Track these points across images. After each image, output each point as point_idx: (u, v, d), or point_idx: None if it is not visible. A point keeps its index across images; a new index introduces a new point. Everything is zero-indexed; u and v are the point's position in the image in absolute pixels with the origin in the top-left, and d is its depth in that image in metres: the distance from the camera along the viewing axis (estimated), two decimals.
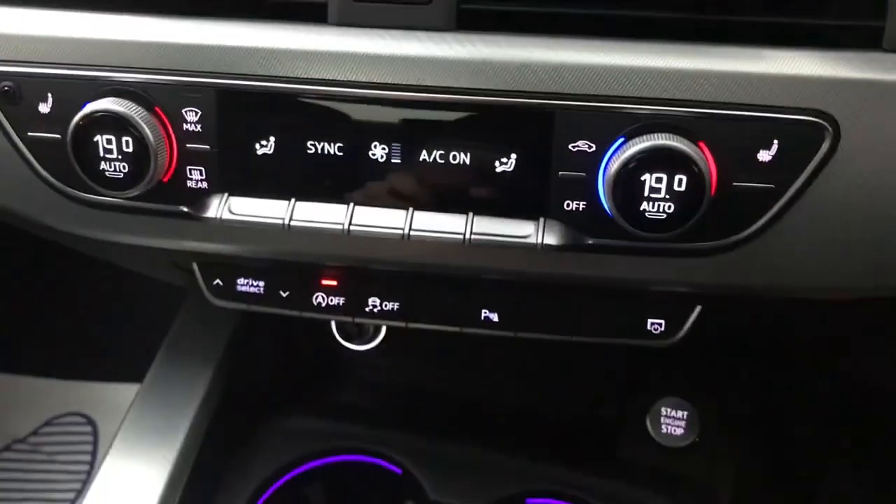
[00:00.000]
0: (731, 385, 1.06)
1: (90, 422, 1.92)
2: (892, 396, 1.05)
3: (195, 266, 0.92)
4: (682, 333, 0.85)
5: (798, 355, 1.03)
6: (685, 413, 1.01)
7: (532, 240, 0.74)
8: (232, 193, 0.79)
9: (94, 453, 1.88)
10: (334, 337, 1.16)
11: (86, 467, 1.90)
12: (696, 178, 0.68)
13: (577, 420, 1.10)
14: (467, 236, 0.75)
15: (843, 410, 1.06)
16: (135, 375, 1.83)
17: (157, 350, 1.14)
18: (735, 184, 0.71)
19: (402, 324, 0.90)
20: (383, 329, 1.15)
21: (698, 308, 0.84)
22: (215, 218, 0.78)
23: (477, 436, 1.04)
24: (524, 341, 0.94)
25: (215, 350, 1.03)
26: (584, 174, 0.72)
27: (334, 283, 0.90)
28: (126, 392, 1.85)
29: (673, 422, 1.01)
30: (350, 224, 0.76)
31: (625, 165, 0.69)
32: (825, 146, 0.69)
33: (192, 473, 0.95)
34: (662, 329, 0.86)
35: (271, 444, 1.03)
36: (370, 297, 0.89)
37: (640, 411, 1.02)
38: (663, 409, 1.01)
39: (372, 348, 1.16)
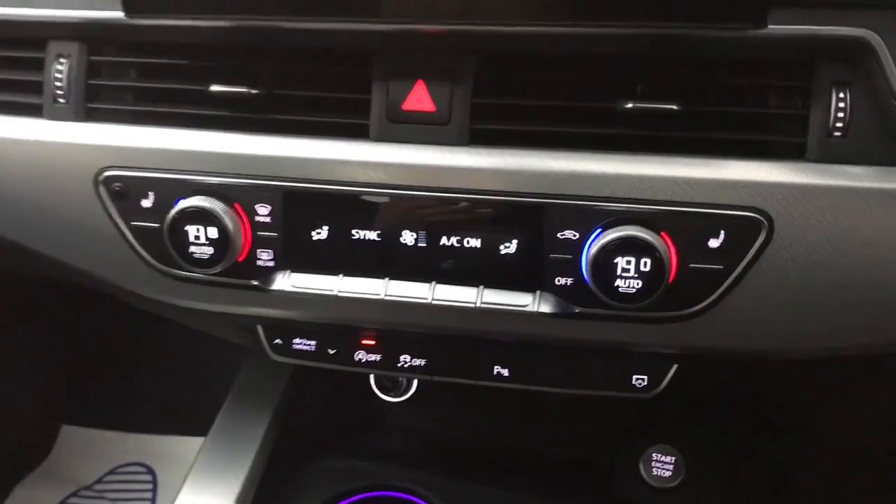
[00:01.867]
0: (713, 431, 1.18)
1: (150, 471, 2.01)
2: (861, 452, 1.15)
3: (259, 328, 1.06)
4: (661, 387, 0.97)
5: (774, 411, 1.15)
6: (673, 458, 1.13)
7: (530, 308, 0.88)
8: (293, 270, 0.93)
9: (153, 500, 1.95)
10: (373, 390, 1.28)
11: None
12: (658, 261, 0.81)
13: (578, 463, 1.22)
14: (478, 304, 0.88)
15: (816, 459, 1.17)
16: (190, 429, 1.93)
17: (210, 405, 1.24)
18: (691, 265, 0.83)
19: (429, 377, 1.03)
20: (415, 383, 1.28)
21: (675, 366, 0.97)
22: (280, 290, 0.92)
23: (491, 475, 1.16)
24: (531, 393, 1.05)
25: (271, 404, 1.17)
26: (570, 256, 0.85)
27: (372, 342, 1.03)
28: (182, 444, 1.99)
29: (662, 465, 1.13)
30: (386, 294, 0.90)
31: (602, 250, 0.82)
32: (762, 236, 0.81)
33: None
34: (645, 383, 0.98)
35: (316, 482, 1.17)
36: (402, 354, 1.02)
37: (633, 456, 1.15)
38: (654, 455, 1.14)
39: (404, 400, 1.30)
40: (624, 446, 1.17)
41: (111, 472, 2.03)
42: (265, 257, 0.93)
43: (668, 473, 1.13)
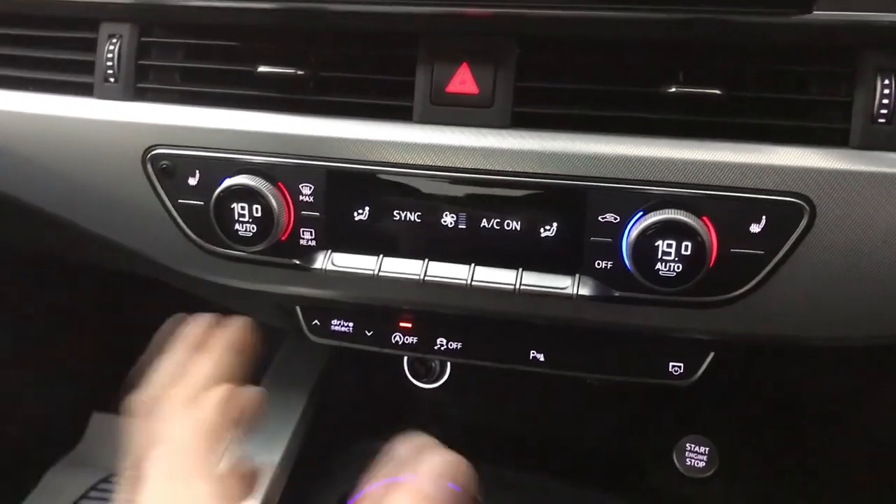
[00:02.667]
0: (747, 422, 1.17)
1: None
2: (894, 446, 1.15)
3: (298, 309, 1.07)
4: (698, 375, 0.97)
5: (808, 403, 1.15)
6: (707, 449, 1.13)
7: (569, 291, 0.88)
8: (335, 250, 0.94)
9: None
10: (406, 376, 1.31)
11: None
12: (699, 245, 0.81)
13: (610, 453, 1.22)
14: (517, 287, 0.89)
15: (852, 456, 1.17)
16: None
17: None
18: (732, 250, 0.83)
19: (464, 360, 1.03)
20: (448, 370, 1.30)
21: (712, 354, 0.97)
22: (321, 269, 0.93)
23: (524, 464, 1.17)
24: (566, 381, 1.05)
25: (307, 387, 1.19)
26: (610, 239, 0.85)
27: (409, 325, 1.04)
28: None
29: (696, 456, 1.13)
30: (425, 275, 0.91)
31: (643, 233, 0.82)
32: (804, 221, 0.82)
33: (287, 486, 1.09)
34: (682, 371, 0.98)
35: (351, 463, 1.18)
36: (438, 337, 1.03)
37: (667, 446, 1.15)
38: (687, 445, 1.14)
39: (438, 387, 1.31)
40: (658, 436, 1.17)
41: None
42: (307, 236, 0.94)
43: (702, 464, 1.13)
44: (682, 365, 0.98)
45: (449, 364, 1.27)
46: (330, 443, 1.20)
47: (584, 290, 0.89)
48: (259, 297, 1.06)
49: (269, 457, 1.11)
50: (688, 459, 1.14)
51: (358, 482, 1.16)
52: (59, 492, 1.89)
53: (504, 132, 0.88)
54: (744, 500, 1.13)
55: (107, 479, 1.92)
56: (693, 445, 1.14)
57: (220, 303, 1.21)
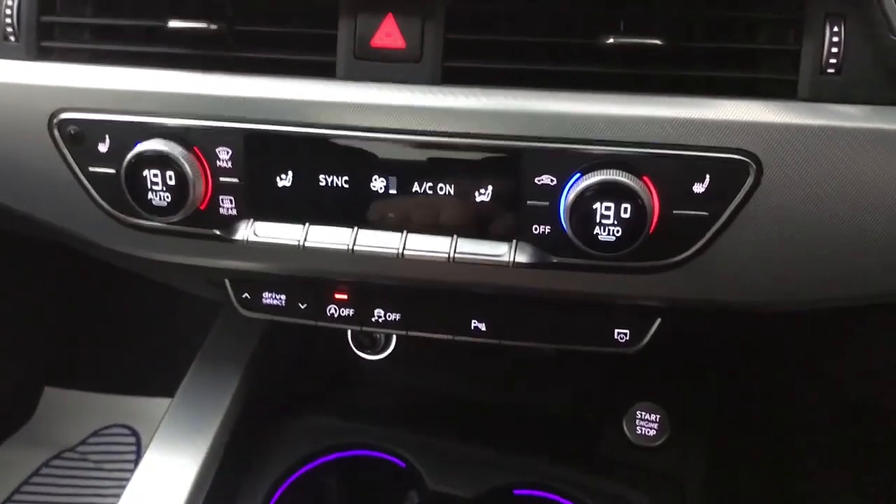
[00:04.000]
0: (698, 388, 1.14)
1: (134, 433, 2.01)
2: (858, 407, 1.13)
3: (227, 282, 1.02)
4: (644, 342, 0.94)
5: (761, 367, 1.12)
6: (657, 416, 1.10)
7: (505, 258, 0.84)
8: (257, 219, 0.88)
9: (137, 462, 1.85)
10: (350, 347, 1.25)
11: (130, 475, 1.92)
12: (639, 208, 0.77)
13: (561, 421, 1.19)
14: (452, 255, 0.84)
15: (804, 411, 1.14)
16: (176, 390, 1.91)
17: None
18: (675, 212, 0.79)
19: (404, 332, 0.99)
20: (393, 340, 1.25)
21: (658, 320, 0.93)
22: (243, 240, 0.88)
23: (473, 433, 1.13)
24: (513, 350, 1.02)
25: (243, 358, 1.14)
26: (547, 203, 0.81)
27: (344, 296, 0.99)
28: (166, 405, 1.99)
29: (647, 424, 1.10)
30: (354, 244, 0.86)
31: (580, 196, 0.78)
32: (750, 180, 0.78)
33: (221, 466, 1.03)
34: (627, 338, 0.94)
35: (291, 441, 1.14)
36: (375, 308, 0.99)
37: (617, 414, 1.11)
38: (638, 413, 1.11)
39: (383, 358, 1.27)
40: (607, 404, 1.14)
41: (94, 434, 2.02)
42: (227, 205, 0.89)
43: (652, 432, 1.10)
44: (627, 332, 0.95)
45: (394, 334, 1.23)
46: (269, 418, 1.16)
47: (522, 258, 0.85)
48: (184, 270, 1.01)
49: (201, 441, 1.06)
50: (638, 427, 1.11)
51: (295, 462, 1.13)
52: (11, 468, 1.91)
53: (434, 89, 0.84)
54: (697, 469, 1.10)
55: (59, 456, 1.95)
56: (643, 413, 1.11)
57: (151, 277, 1.16)
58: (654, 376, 1.14)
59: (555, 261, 0.84)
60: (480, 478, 1.07)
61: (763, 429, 1.16)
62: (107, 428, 2.02)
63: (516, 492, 1.08)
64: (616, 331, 0.95)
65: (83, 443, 1.99)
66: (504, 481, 1.08)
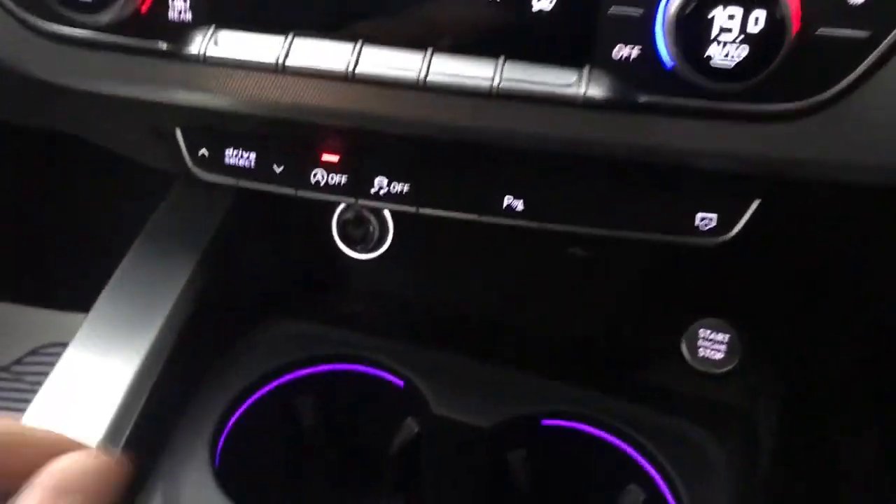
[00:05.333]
0: (781, 304, 0.92)
1: None
2: None
3: (178, 134, 0.79)
4: (735, 230, 0.71)
5: (865, 281, 0.90)
6: (727, 336, 0.88)
7: (573, 90, 0.61)
8: (220, 26, 0.66)
9: None
10: (335, 242, 1.03)
11: None
12: (776, 18, 0.56)
13: (599, 341, 0.96)
14: (496, 84, 0.62)
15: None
16: None
17: None
18: (822, 29, 0.58)
19: (413, 208, 0.76)
20: (390, 235, 1.02)
21: (757, 201, 0.71)
22: (198, 55, 0.66)
23: (489, 352, 0.91)
24: (548, 251, 0.83)
25: (200, 240, 0.90)
26: (641, 10, 0.60)
27: (335, 157, 0.76)
28: None
29: (712, 345, 0.89)
30: (356, 66, 0.64)
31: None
32: None
33: (163, 373, 0.80)
34: (713, 224, 0.72)
35: (259, 348, 0.90)
36: (376, 175, 0.75)
37: (674, 332, 0.90)
38: (701, 331, 0.89)
39: (376, 257, 1.04)
40: (664, 321, 0.91)
41: (31, 353, 1.89)
42: (179, 4, 0.66)
43: (719, 355, 0.88)
44: (713, 217, 0.72)
45: (392, 224, 0.99)
46: (232, 319, 0.92)
47: (596, 91, 0.62)
48: (120, 110, 0.76)
49: (139, 336, 0.82)
50: (701, 349, 0.89)
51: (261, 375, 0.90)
52: None
53: None
54: (770, 402, 0.89)
55: None
56: (708, 331, 0.89)
57: (94, 139, 0.92)
58: (724, 287, 0.91)
59: (643, 100, 0.62)
60: (497, 404, 0.85)
61: (845, 357, 0.95)
62: (44, 347, 1.90)
63: (544, 422, 0.85)
64: (699, 215, 0.72)
65: (18, 362, 1.87)
66: (527, 410, 0.86)
